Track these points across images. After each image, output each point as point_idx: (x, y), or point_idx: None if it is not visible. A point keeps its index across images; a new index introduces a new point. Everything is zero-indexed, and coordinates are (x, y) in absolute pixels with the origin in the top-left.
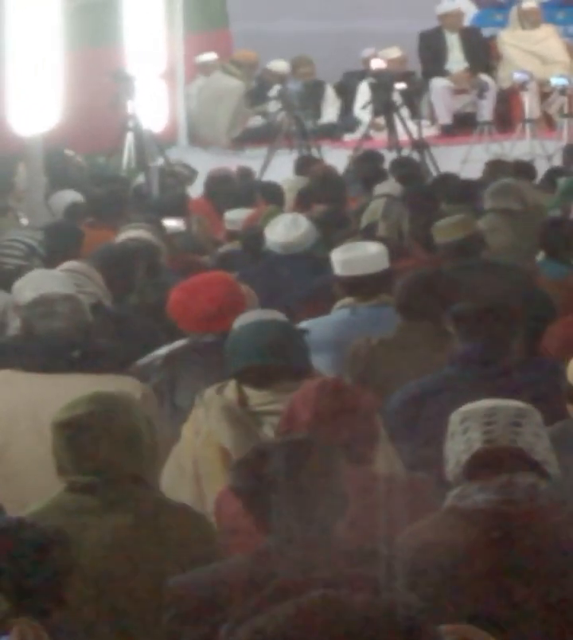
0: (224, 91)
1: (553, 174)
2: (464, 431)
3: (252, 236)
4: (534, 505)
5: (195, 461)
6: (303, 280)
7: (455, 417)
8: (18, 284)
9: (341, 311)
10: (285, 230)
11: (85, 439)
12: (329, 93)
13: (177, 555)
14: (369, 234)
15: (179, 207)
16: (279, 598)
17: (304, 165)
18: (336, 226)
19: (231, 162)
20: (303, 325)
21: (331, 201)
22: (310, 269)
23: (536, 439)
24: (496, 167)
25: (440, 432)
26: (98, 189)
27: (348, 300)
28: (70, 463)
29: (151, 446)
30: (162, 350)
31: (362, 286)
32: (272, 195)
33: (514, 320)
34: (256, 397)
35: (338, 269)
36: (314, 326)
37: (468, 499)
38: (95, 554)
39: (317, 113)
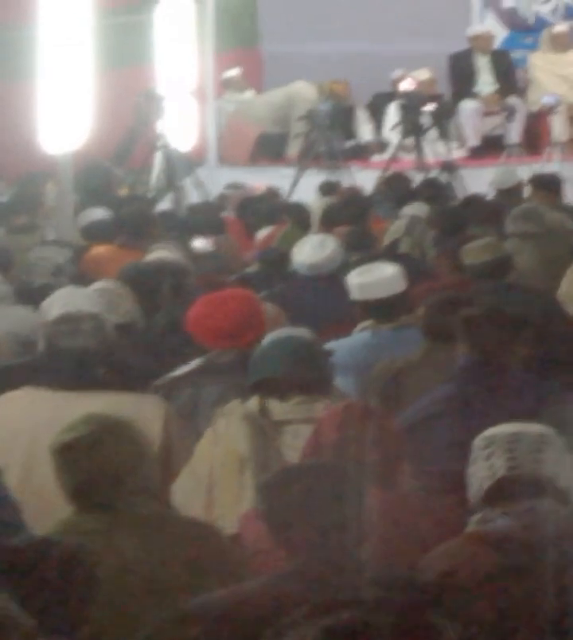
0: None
1: None
2: (487, 457)
3: (273, 256)
4: (555, 533)
5: (211, 469)
6: (329, 302)
7: (478, 442)
8: (47, 302)
9: (362, 334)
10: (312, 251)
11: (86, 461)
12: (360, 114)
13: (189, 571)
14: (391, 252)
15: (212, 226)
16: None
17: (329, 188)
18: (358, 247)
19: (260, 181)
20: (326, 346)
21: (354, 222)
22: (337, 290)
23: (559, 465)
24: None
25: (448, 451)
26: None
27: (369, 323)
28: (73, 485)
29: (156, 463)
30: (181, 369)
31: (380, 309)
32: (299, 215)
33: (517, 328)
34: (278, 408)
35: (355, 293)
36: (336, 348)
37: (490, 524)
38: (107, 575)
39: (346, 134)
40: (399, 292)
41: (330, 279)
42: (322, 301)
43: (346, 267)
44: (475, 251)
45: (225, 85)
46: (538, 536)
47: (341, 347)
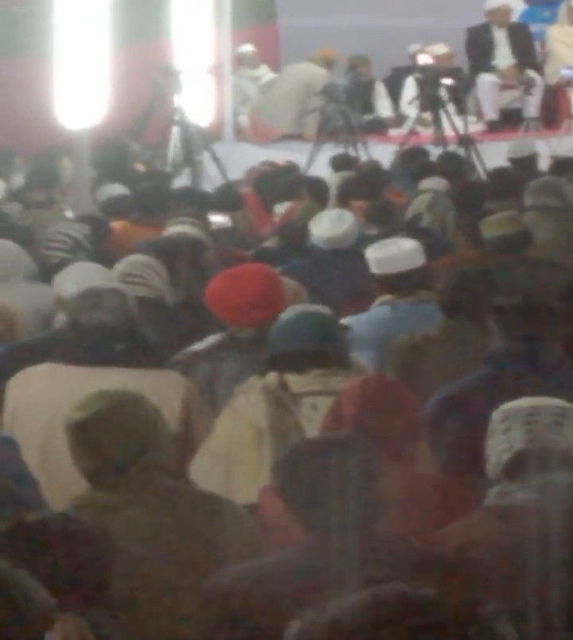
0: (311, 78)
1: None
2: (505, 430)
3: (292, 231)
4: None
5: (229, 444)
6: (347, 276)
7: (496, 415)
8: (59, 277)
9: (380, 308)
10: (330, 225)
11: (100, 437)
12: (379, 88)
13: (205, 545)
14: (413, 227)
15: (230, 201)
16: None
17: (343, 162)
18: (378, 221)
19: (278, 156)
20: (344, 321)
21: (372, 196)
22: (355, 265)
23: None
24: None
25: (475, 433)
26: (143, 183)
27: (387, 297)
28: (88, 462)
29: (172, 438)
30: (200, 345)
31: (399, 284)
32: (317, 190)
33: (555, 317)
34: (296, 381)
35: (374, 267)
36: (355, 323)
37: (508, 497)
38: (124, 550)
39: (364, 108)
40: (418, 266)
41: (348, 253)
42: (340, 275)
43: (366, 241)
44: (494, 224)
45: (240, 61)
46: (556, 509)
47: (359, 321)
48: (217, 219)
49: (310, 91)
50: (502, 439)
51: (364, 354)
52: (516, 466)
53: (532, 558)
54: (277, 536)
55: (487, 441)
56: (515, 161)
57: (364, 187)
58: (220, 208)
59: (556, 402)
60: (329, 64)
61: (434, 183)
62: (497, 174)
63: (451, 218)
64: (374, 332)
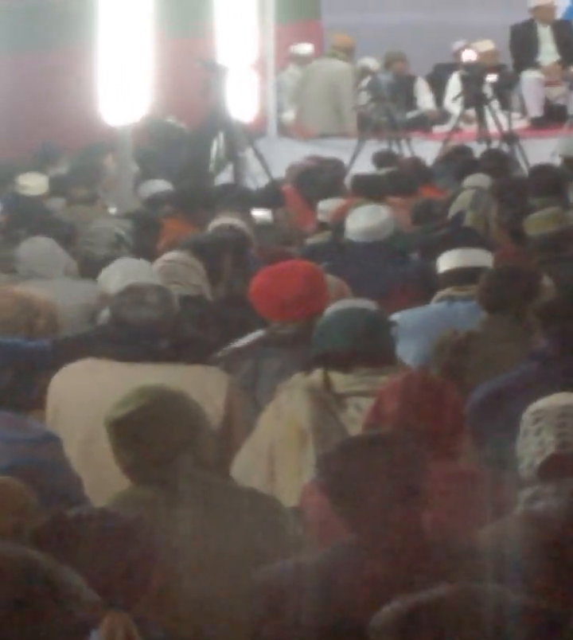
0: (336, 76)
1: None
2: (537, 432)
3: (341, 228)
4: None
5: (272, 443)
6: (384, 269)
7: (528, 416)
8: (104, 273)
9: (438, 303)
10: (366, 218)
11: (141, 433)
12: (421, 85)
13: (248, 543)
14: (456, 224)
15: (272, 198)
16: None
17: (385, 159)
18: (424, 218)
19: (321, 153)
20: (399, 314)
21: (407, 194)
22: (391, 258)
23: None
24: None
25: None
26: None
27: (446, 291)
28: (129, 458)
29: (214, 435)
30: (242, 341)
31: (464, 278)
32: (362, 186)
33: None
34: (341, 381)
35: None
36: (410, 315)
37: (541, 502)
38: (166, 547)
39: (407, 105)
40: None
41: (384, 247)
42: (377, 268)
43: (403, 237)
44: (538, 222)
45: (291, 59)
46: None
47: (415, 313)
48: (259, 215)
49: (338, 89)
50: (534, 441)
51: (416, 349)
52: (549, 468)
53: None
54: (321, 533)
55: (519, 441)
56: (567, 160)
57: (407, 183)
58: (262, 204)
59: None
60: (349, 51)
61: (477, 180)
62: (540, 171)
63: (494, 215)
64: (428, 324)
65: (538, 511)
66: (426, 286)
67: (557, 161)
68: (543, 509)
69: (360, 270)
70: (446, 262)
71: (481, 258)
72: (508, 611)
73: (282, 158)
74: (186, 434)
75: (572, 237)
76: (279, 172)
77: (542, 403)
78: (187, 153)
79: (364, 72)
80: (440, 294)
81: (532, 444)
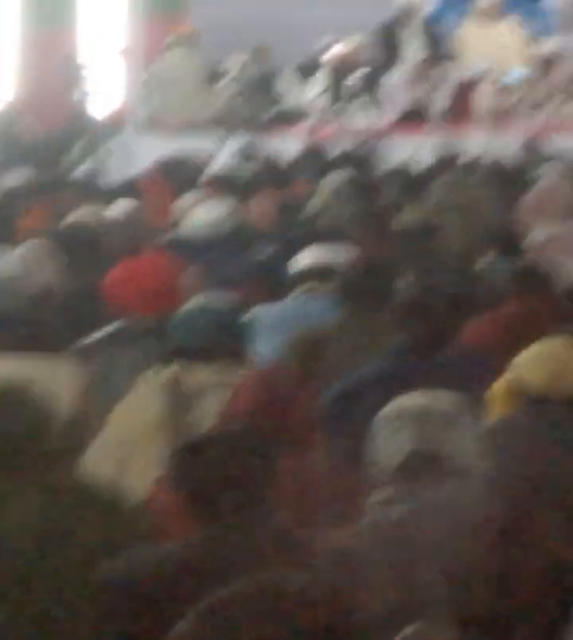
0: (185, 70)
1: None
2: (395, 431)
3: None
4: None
5: (124, 436)
6: (227, 263)
7: (386, 415)
8: None
9: (294, 298)
10: (207, 213)
11: None
12: (287, 80)
13: (96, 536)
14: (317, 221)
15: (130, 191)
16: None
17: (251, 153)
18: (284, 212)
19: (185, 146)
20: (256, 309)
21: (278, 187)
22: (235, 251)
23: (468, 441)
24: (445, 159)
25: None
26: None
27: (305, 287)
28: None
29: (63, 427)
30: (98, 334)
31: (322, 274)
32: (225, 181)
33: (453, 311)
34: (195, 375)
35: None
36: (267, 311)
37: (393, 507)
38: (10, 539)
39: (273, 99)
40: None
41: (231, 241)
42: (223, 261)
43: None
44: (398, 218)
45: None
46: (437, 525)
47: (274, 308)
48: (117, 208)
49: (186, 78)
50: (392, 441)
51: (273, 344)
52: (404, 470)
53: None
54: (170, 527)
55: (375, 439)
56: (439, 160)
57: (270, 178)
58: (122, 197)
59: (449, 400)
60: (192, 40)
61: (338, 176)
62: (401, 169)
63: (355, 211)
64: (286, 321)
65: (393, 514)
66: (274, 280)
67: (418, 159)
68: (399, 512)
69: (209, 263)
70: (305, 257)
71: (339, 254)
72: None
73: (146, 151)
74: (32, 426)
75: (432, 233)
76: (143, 165)
77: (400, 401)
78: (43, 149)
79: (231, 65)
80: (298, 289)
81: (389, 443)
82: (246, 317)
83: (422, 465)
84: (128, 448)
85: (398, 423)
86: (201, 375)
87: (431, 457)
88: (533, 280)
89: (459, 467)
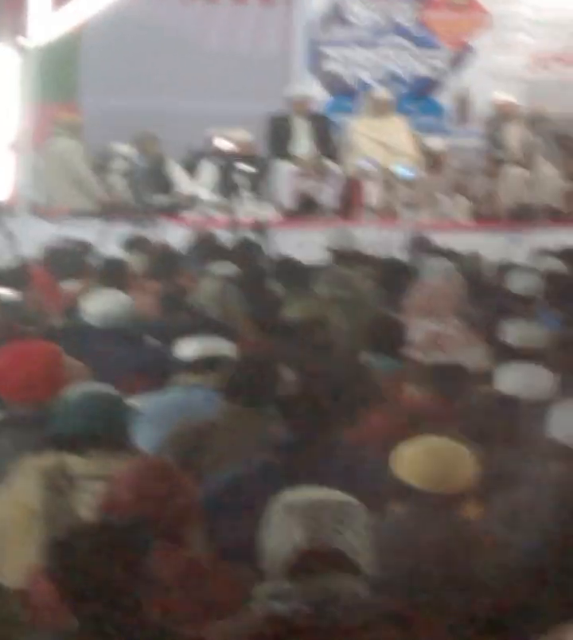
0: (65, 154)
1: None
2: (286, 526)
3: (79, 311)
4: (346, 613)
5: (1, 523)
6: (121, 353)
7: (278, 507)
8: None
9: (176, 389)
10: (104, 303)
11: None
12: (174, 170)
13: None
14: (200, 312)
15: (17, 276)
16: None
17: (136, 243)
18: (170, 304)
19: (70, 233)
20: (137, 399)
21: (165, 278)
22: (128, 343)
23: (359, 538)
24: (337, 254)
25: (254, 519)
26: None
27: (183, 379)
28: None
29: None
30: None
31: (203, 366)
32: (112, 269)
33: (334, 406)
34: (75, 464)
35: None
36: (148, 401)
37: (281, 602)
38: None
39: (160, 189)
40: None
41: (123, 331)
42: (116, 353)
43: (147, 324)
44: (286, 311)
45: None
46: (325, 621)
47: (153, 400)
48: (3, 293)
49: (69, 166)
50: (283, 535)
51: (152, 433)
52: (295, 564)
53: None
54: (45, 617)
55: (264, 532)
56: (335, 253)
57: (160, 268)
58: (6, 282)
59: (339, 497)
60: (73, 129)
61: (224, 268)
62: (286, 262)
63: (239, 304)
64: (166, 413)
65: (280, 611)
66: (161, 372)
67: (306, 252)
68: (287, 609)
69: (98, 353)
70: (186, 349)
71: (221, 346)
72: None
73: (33, 236)
74: None
75: (318, 327)
76: (29, 251)
77: (291, 495)
78: None
79: (119, 155)
80: (179, 381)
81: (280, 537)
82: (128, 407)
83: (312, 559)
84: (5, 537)
85: (288, 516)
86: (81, 464)
87: (321, 551)
88: (419, 376)
89: (351, 563)
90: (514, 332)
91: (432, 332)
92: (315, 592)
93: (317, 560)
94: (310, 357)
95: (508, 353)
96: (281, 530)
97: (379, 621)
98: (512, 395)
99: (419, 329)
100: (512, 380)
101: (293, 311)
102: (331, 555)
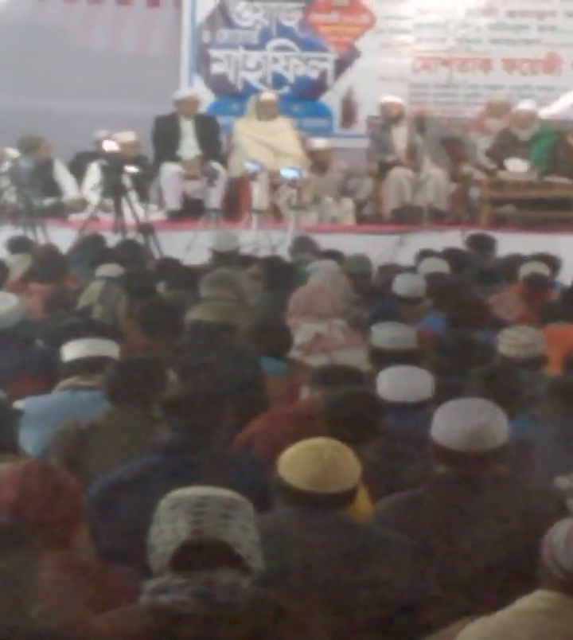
0: None
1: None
2: (172, 519)
3: None
4: (232, 605)
5: None
6: (8, 355)
7: (165, 503)
8: None
9: (62, 391)
10: None
11: None
12: (61, 172)
13: None
14: (85, 314)
15: None
16: None
17: (19, 245)
18: (56, 306)
19: None
20: (23, 402)
21: (50, 280)
22: (15, 345)
23: (243, 532)
24: (221, 256)
25: (138, 521)
26: None
27: (70, 380)
28: None
29: None
30: None
31: (88, 368)
32: None
33: (221, 409)
34: None
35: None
36: (33, 403)
37: (166, 595)
38: None
39: (46, 191)
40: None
41: (10, 333)
42: (2, 355)
43: (33, 325)
44: (172, 313)
45: None
46: (211, 611)
47: (38, 402)
48: None
49: None
50: (169, 528)
51: (38, 434)
52: (180, 558)
53: None
54: None
55: (153, 530)
56: (219, 255)
57: (45, 270)
58: None
59: (226, 493)
60: None
61: (109, 270)
62: (170, 263)
63: (123, 306)
64: (50, 414)
65: (159, 605)
66: (49, 374)
67: (192, 255)
68: (166, 603)
69: None
70: (71, 351)
71: (106, 348)
72: None
73: None
74: None
75: (206, 328)
76: None
77: (180, 492)
78: None
79: (3, 157)
80: (64, 383)
81: (166, 532)
82: (13, 409)
83: (197, 551)
84: None
85: (174, 510)
86: None
87: (206, 543)
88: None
89: (236, 556)
90: (381, 334)
91: (314, 333)
92: (199, 583)
93: (201, 553)
94: (193, 358)
95: (377, 356)
96: (167, 525)
97: (260, 611)
98: (391, 398)
99: (302, 330)
100: (388, 382)
101: (192, 314)
102: (216, 547)
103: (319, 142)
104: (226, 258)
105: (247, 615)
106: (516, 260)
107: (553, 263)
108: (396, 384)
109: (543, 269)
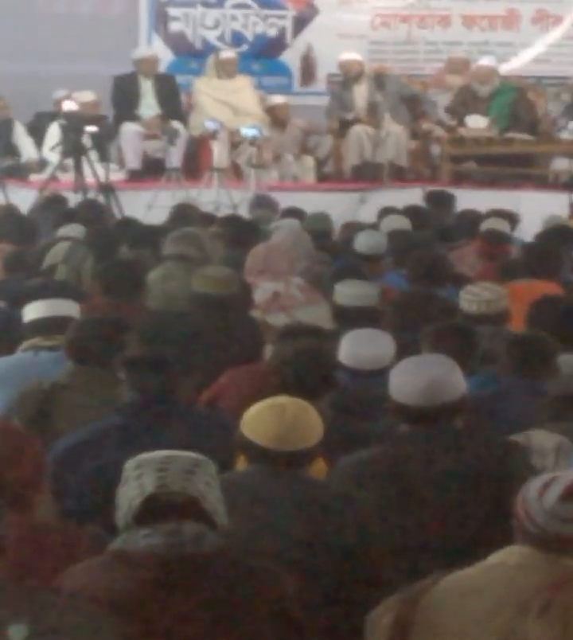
0: None
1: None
2: (138, 477)
3: None
4: (199, 552)
5: None
6: None
7: (131, 464)
8: None
9: (24, 352)
10: None
11: None
12: (20, 132)
13: None
14: (48, 274)
15: None
16: None
17: None
18: (19, 267)
19: None
20: None
21: (14, 241)
22: None
23: (208, 488)
24: (180, 213)
25: (101, 480)
26: None
27: (31, 341)
28: None
29: None
30: None
31: (50, 328)
32: None
33: (183, 369)
34: None
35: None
36: None
37: (133, 543)
38: None
39: (6, 152)
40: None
41: None
42: None
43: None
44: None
45: None
46: (181, 556)
47: (0, 364)
48: None
49: None
50: (134, 485)
51: (1, 398)
52: (145, 512)
53: (156, 604)
54: None
55: (119, 489)
56: (180, 212)
57: (8, 230)
58: None
59: (189, 454)
60: None
61: (72, 230)
62: (130, 222)
63: (87, 266)
64: (12, 375)
65: (126, 551)
66: (10, 335)
67: (153, 214)
68: (132, 549)
69: None
70: (32, 311)
71: (67, 308)
72: None
73: None
74: None
75: (139, 285)
76: None
77: (145, 454)
78: None
79: None
80: (26, 343)
81: (132, 489)
82: None
83: (163, 506)
84: None
85: (140, 469)
86: None
87: (171, 497)
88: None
89: (201, 510)
90: (344, 292)
91: (272, 292)
92: (165, 533)
93: (167, 506)
94: (157, 317)
95: (340, 313)
96: (132, 482)
97: (226, 561)
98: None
99: (260, 289)
100: (349, 349)
101: (144, 271)
102: (182, 501)
103: (277, 98)
104: (187, 217)
105: (214, 564)
106: (475, 217)
107: (512, 218)
108: (357, 351)
109: (502, 225)
